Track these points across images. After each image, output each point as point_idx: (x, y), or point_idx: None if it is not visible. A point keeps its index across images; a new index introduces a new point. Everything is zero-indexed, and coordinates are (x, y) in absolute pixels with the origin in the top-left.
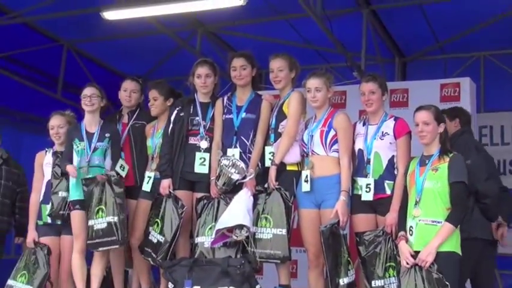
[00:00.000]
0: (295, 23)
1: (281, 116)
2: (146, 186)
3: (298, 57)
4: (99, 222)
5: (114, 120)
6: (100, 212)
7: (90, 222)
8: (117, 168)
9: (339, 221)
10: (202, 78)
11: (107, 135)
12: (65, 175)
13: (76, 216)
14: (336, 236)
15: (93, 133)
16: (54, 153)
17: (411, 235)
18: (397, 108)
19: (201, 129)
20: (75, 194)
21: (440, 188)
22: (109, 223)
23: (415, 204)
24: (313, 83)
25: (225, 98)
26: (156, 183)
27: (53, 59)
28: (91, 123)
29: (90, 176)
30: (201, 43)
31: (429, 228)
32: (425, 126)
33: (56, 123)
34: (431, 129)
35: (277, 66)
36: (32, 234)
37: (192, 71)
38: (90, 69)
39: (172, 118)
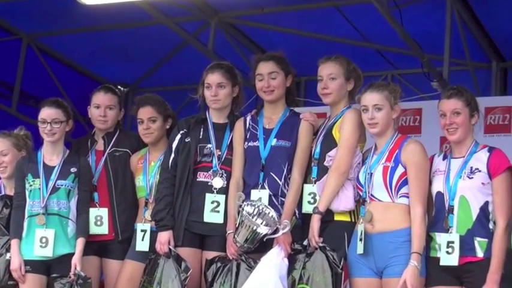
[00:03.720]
0: (348, 12)
1: (329, 144)
2: (141, 245)
3: (353, 60)
4: None
5: (85, 148)
6: None
7: None
8: (91, 223)
9: None
10: (212, 89)
11: (73, 170)
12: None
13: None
14: None
15: (54, 167)
16: (1, 198)
17: None
18: (495, 134)
19: (215, 162)
20: (27, 253)
21: None
22: None
23: None
24: (371, 98)
25: (248, 118)
26: (152, 239)
27: (6, 58)
28: (51, 153)
29: (46, 228)
30: (215, 38)
31: None
32: None
33: None
34: None
35: (328, 73)
36: None
37: (202, 79)
38: (57, 73)
39: (174, 146)
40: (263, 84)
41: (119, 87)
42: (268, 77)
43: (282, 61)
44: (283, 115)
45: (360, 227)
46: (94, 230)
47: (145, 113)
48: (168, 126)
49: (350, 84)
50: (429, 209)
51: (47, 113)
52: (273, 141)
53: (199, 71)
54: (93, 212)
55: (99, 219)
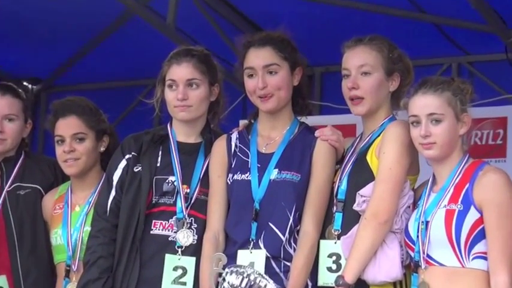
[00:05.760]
0: None
1: (361, 176)
2: None
3: (399, 43)
4: None
5: None
6: None
7: None
8: None
9: None
10: (179, 89)
11: None
12: None
13: None
14: None
15: None
16: None
17: None
18: None
19: (180, 204)
20: None
21: None
22: None
23: None
24: (424, 104)
25: (234, 137)
26: None
27: None
28: None
29: None
30: (178, 7)
31: None
32: None
33: None
34: None
35: (360, 64)
36: None
37: (161, 74)
38: None
39: (115, 179)
40: (256, 83)
41: (25, 84)
42: (264, 71)
43: (286, 45)
44: (289, 131)
45: None
46: None
47: (67, 127)
48: (103, 148)
49: (394, 82)
50: None
51: None
52: (273, 174)
53: (154, 59)
54: None
55: None
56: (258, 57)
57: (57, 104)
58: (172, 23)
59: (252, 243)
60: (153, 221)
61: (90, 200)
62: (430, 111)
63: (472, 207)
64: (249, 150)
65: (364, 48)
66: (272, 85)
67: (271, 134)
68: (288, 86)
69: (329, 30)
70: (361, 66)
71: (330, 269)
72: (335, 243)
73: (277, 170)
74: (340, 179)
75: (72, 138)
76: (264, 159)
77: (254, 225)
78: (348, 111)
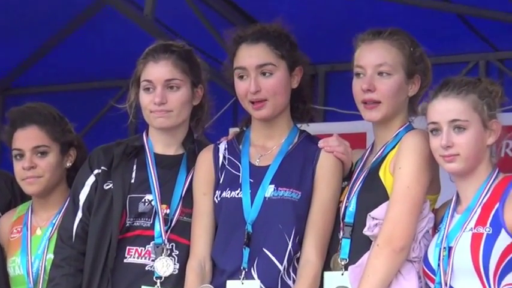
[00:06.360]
0: None
1: (373, 195)
2: None
3: (418, 37)
4: None
5: None
6: None
7: None
8: None
9: None
10: (157, 91)
11: None
12: None
13: None
14: None
15: None
16: None
17: None
18: None
19: (158, 227)
20: None
21: None
22: None
23: None
24: (445, 109)
25: (223, 147)
26: None
27: None
28: None
29: None
30: None
31: None
32: None
33: None
34: None
35: (378, 63)
36: None
37: (135, 74)
38: None
39: (81, 198)
40: (247, 86)
41: None
42: (257, 72)
43: (284, 41)
44: (287, 141)
45: None
46: None
47: (26, 139)
48: (69, 163)
49: (413, 86)
50: None
51: None
52: (269, 190)
53: (128, 57)
54: None
55: None
56: (251, 56)
57: (14, 112)
58: (151, 14)
59: (243, 273)
60: (127, 247)
61: (53, 221)
62: (452, 117)
63: (503, 231)
64: (240, 163)
65: (383, 43)
66: (266, 89)
67: (267, 144)
68: (285, 89)
69: (335, 23)
70: (379, 65)
71: None
72: (342, 274)
73: (273, 186)
74: (347, 199)
75: (32, 152)
76: (257, 174)
77: (246, 252)
78: (356, 118)
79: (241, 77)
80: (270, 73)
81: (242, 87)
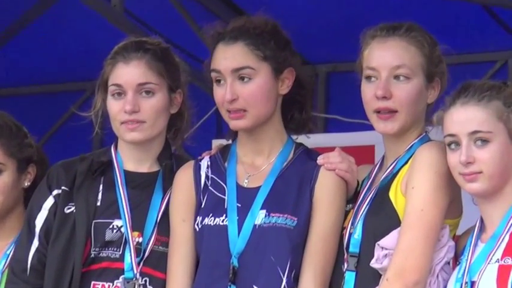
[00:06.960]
0: None
1: (382, 220)
2: None
3: (436, 34)
4: None
5: None
6: None
7: None
8: None
9: None
10: (127, 97)
11: None
12: None
13: None
14: None
15: None
16: None
17: None
18: None
19: (129, 259)
20: None
21: None
22: None
23: None
24: (464, 118)
25: (205, 164)
26: None
27: None
28: None
29: None
30: None
31: None
32: None
33: None
34: None
35: (394, 64)
36: None
37: (102, 76)
38: None
39: (38, 223)
40: (223, 92)
41: None
42: (234, 77)
43: (267, 39)
44: (280, 157)
45: None
46: None
47: None
48: (28, 183)
49: (433, 91)
50: None
51: None
52: (259, 217)
53: (94, 55)
54: None
55: None
56: (226, 58)
57: None
58: (120, 5)
59: None
60: (92, 282)
61: (7, 252)
62: (472, 128)
63: None
64: (226, 184)
65: (400, 41)
66: (244, 97)
67: (256, 161)
68: (268, 97)
69: (337, 15)
70: (396, 67)
71: None
72: None
73: (264, 211)
74: (352, 225)
75: None
76: (246, 197)
77: None
78: (363, 127)
79: (218, 81)
80: (249, 78)
81: (219, 93)
